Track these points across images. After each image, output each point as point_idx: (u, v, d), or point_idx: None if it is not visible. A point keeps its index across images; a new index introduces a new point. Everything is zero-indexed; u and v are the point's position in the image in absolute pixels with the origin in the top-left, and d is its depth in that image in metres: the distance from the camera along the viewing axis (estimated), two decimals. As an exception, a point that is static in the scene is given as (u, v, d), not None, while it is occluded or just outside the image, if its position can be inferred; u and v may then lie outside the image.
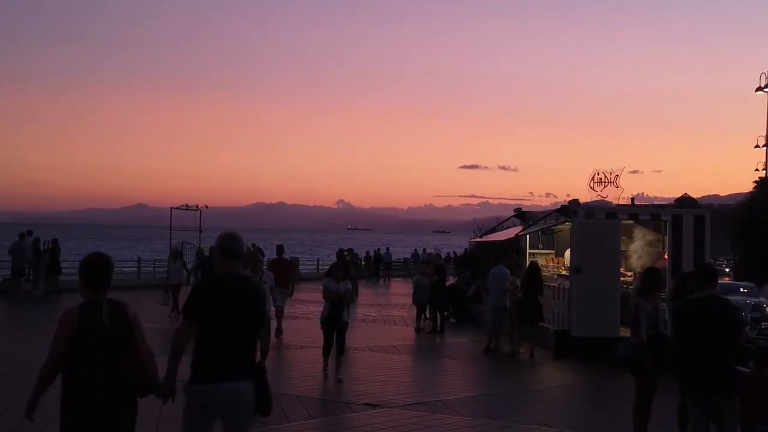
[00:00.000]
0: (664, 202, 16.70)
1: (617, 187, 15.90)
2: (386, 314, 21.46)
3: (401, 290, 32.77)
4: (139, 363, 4.56)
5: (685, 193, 16.12)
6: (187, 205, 32.06)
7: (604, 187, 16.08)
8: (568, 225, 15.45)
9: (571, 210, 14.45)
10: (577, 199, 14.95)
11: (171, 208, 31.89)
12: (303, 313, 20.40)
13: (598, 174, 16.22)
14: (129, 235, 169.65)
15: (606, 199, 16.00)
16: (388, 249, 48.60)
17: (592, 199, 15.97)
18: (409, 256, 49.15)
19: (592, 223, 14.30)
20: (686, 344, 6.90)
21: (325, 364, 11.13)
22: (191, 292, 4.99)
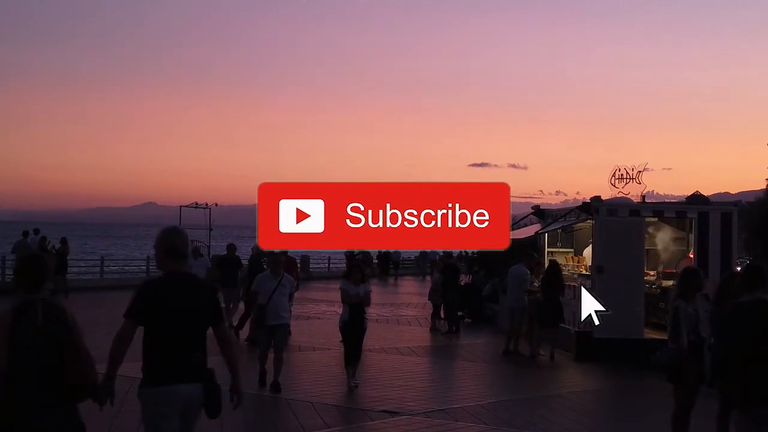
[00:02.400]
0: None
1: (639, 183, 15.34)
2: (399, 314, 21.01)
3: (412, 289, 32.42)
4: (77, 364, 4.42)
5: (697, 191, 15.56)
6: (196, 203, 31.81)
7: (626, 183, 15.53)
8: (589, 223, 14.98)
9: (593, 207, 13.94)
10: (599, 196, 14.40)
11: (180, 206, 31.64)
12: (315, 313, 19.99)
13: (620, 170, 15.67)
14: (139, 233, 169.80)
15: (627, 196, 15.47)
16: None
17: (613, 196, 15.44)
18: (418, 254, 48.48)
19: (615, 221, 13.81)
20: (733, 351, 6.46)
21: (350, 376, 10.41)
22: (134, 293, 4.76)
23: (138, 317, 4.62)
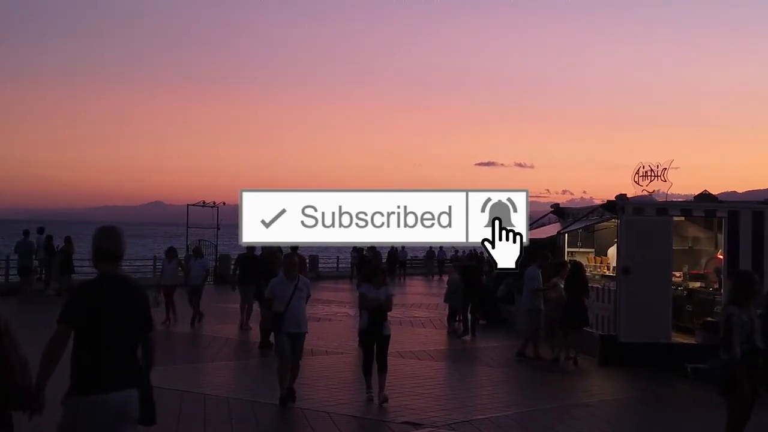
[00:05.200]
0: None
1: (665, 181, 14.74)
2: (411, 315, 20.42)
3: (421, 289, 31.85)
4: (7, 372, 4.11)
5: (705, 190, 15.01)
6: (203, 202, 31.31)
7: (651, 181, 14.92)
8: (612, 222, 14.40)
9: (618, 206, 13.35)
10: (625, 194, 13.80)
11: (188, 205, 31.15)
12: (325, 315, 19.44)
13: (644, 167, 15.07)
14: (146, 232, 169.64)
15: (651, 194, 14.88)
16: (403, 247, 47.26)
17: (636, 194, 14.85)
18: (425, 253, 47.82)
19: (641, 220, 13.22)
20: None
21: (369, 386, 9.65)
22: (68, 296, 4.52)
23: (72, 321, 4.36)
